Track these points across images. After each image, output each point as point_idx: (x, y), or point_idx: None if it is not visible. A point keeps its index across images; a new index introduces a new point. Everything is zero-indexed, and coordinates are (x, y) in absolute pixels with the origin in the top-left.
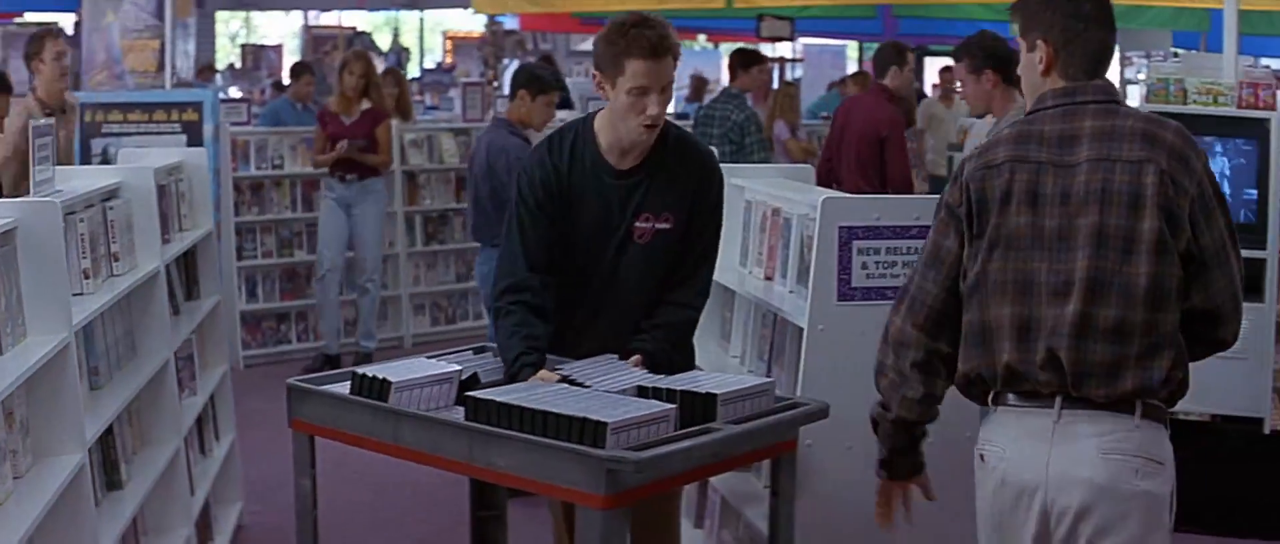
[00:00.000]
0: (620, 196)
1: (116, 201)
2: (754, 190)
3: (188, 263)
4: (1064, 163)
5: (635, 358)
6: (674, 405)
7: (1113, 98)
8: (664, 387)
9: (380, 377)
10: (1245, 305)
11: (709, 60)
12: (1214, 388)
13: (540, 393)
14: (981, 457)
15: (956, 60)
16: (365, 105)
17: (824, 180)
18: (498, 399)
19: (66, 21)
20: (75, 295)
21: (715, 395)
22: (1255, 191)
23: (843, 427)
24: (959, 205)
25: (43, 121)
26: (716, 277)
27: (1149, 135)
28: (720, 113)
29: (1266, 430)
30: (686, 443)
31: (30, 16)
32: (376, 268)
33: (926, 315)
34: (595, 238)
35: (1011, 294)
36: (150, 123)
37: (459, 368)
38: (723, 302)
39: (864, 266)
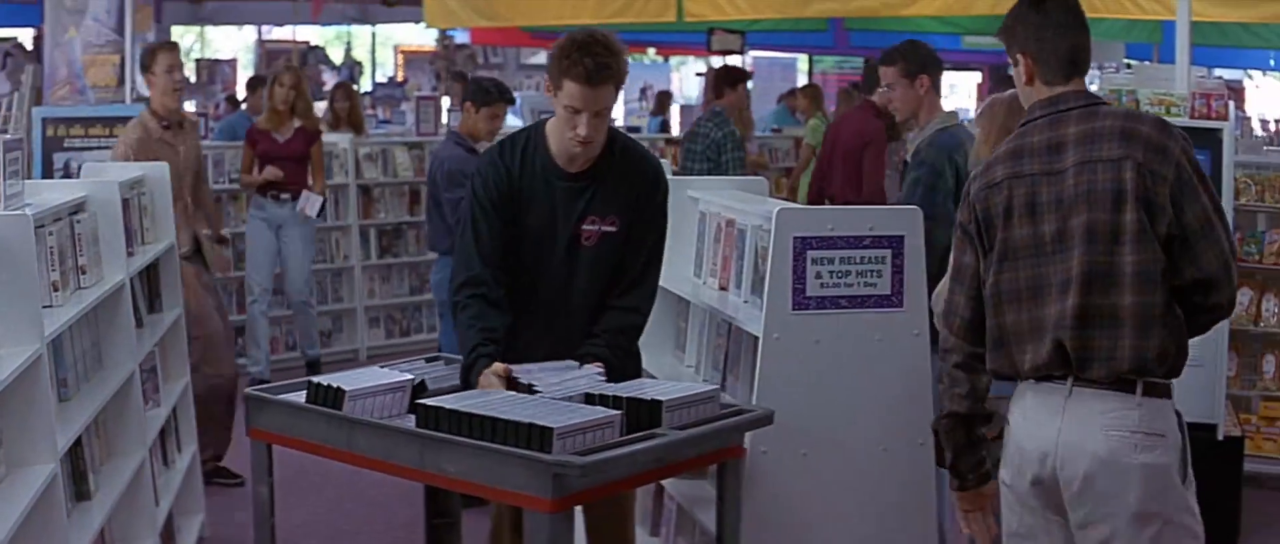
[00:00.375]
0: (568, 199)
1: (83, 215)
2: (708, 201)
3: (150, 276)
4: (1054, 170)
5: (598, 365)
6: (619, 411)
7: (1093, 100)
8: (610, 393)
9: (334, 385)
10: None
11: (659, 74)
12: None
13: (489, 400)
14: (1008, 421)
15: (887, 64)
16: (297, 123)
17: (816, 198)
18: (447, 406)
19: (27, 36)
20: (45, 308)
21: (660, 402)
22: None
23: (797, 434)
24: (970, 223)
25: (10, 137)
26: (670, 287)
27: (1126, 132)
28: (702, 130)
29: (1220, 437)
30: (631, 448)
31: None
32: (309, 284)
33: (960, 324)
34: (544, 241)
35: (1024, 300)
36: (111, 137)
37: (411, 376)
38: (677, 312)
39: (818, 276)
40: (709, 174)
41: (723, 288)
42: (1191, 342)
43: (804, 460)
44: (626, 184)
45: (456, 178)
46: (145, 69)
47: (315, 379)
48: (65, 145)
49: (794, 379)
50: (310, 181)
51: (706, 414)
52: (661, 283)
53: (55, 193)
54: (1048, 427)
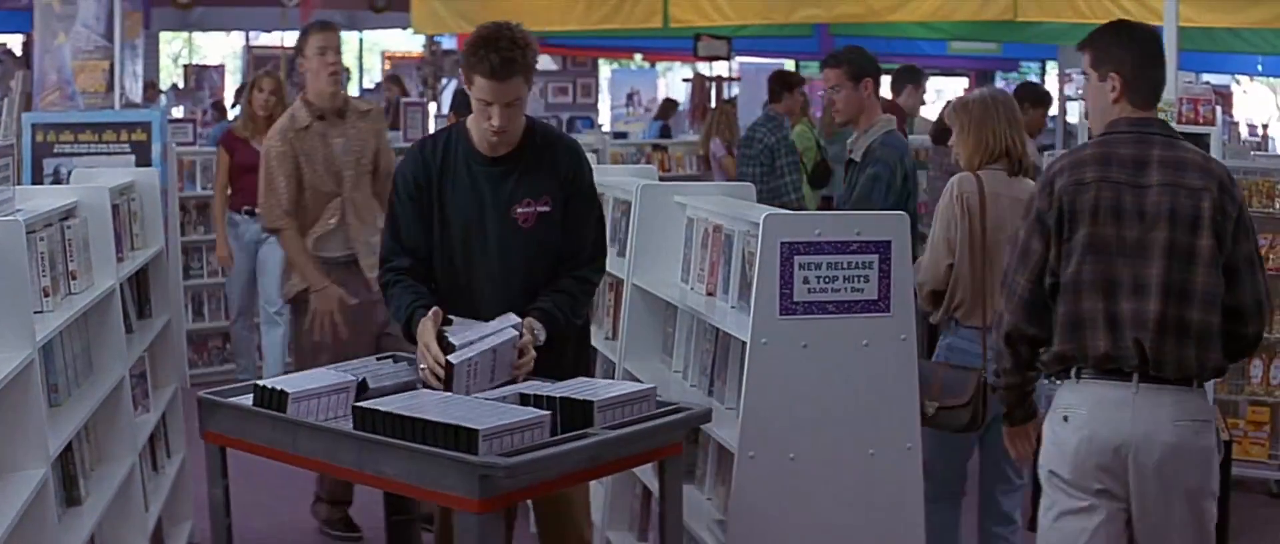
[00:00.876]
0: (494, 182)
1: (74, 221)
2: (695, 207)
3: (140, 282)
4: (1138, 184)
5: (529, 321)
6: (548, 412)
7: (1171, 132)
8: (545, 394)
9: (279, 388)
10: None
11: (646, 79)
12: None
13: (422, 401)
14: (1065, 418)
15: (833, 66)
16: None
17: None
18: (382, 408)
19: (16, 42)
20: (36, 313)
21: (591, 402)
22: None
23: (785, 438)
24: (1049, 213)
25: (7, 143)
26: (657, 292)
27: (1205, 168)
28: (757, 135)
29: None
30: (558, 448)
31: None
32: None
33: (1018, 303)
34: (475, 226)
35: (1100, 292)
36: (100, 143)
37: (354, 378)
38: (664, 317)
39: (805, 281)
40: (764, 179)
41: (710, 293)
42: None
43: (791, 464)
44: (550, 165)
45: None
46: (298, 53)
47: (261, 382)
48: (55, 151)
49: (781, 384)
50: None
51: (641, 413)
52: (648, 288)
53: (45, 199)
54: (1119, 419)
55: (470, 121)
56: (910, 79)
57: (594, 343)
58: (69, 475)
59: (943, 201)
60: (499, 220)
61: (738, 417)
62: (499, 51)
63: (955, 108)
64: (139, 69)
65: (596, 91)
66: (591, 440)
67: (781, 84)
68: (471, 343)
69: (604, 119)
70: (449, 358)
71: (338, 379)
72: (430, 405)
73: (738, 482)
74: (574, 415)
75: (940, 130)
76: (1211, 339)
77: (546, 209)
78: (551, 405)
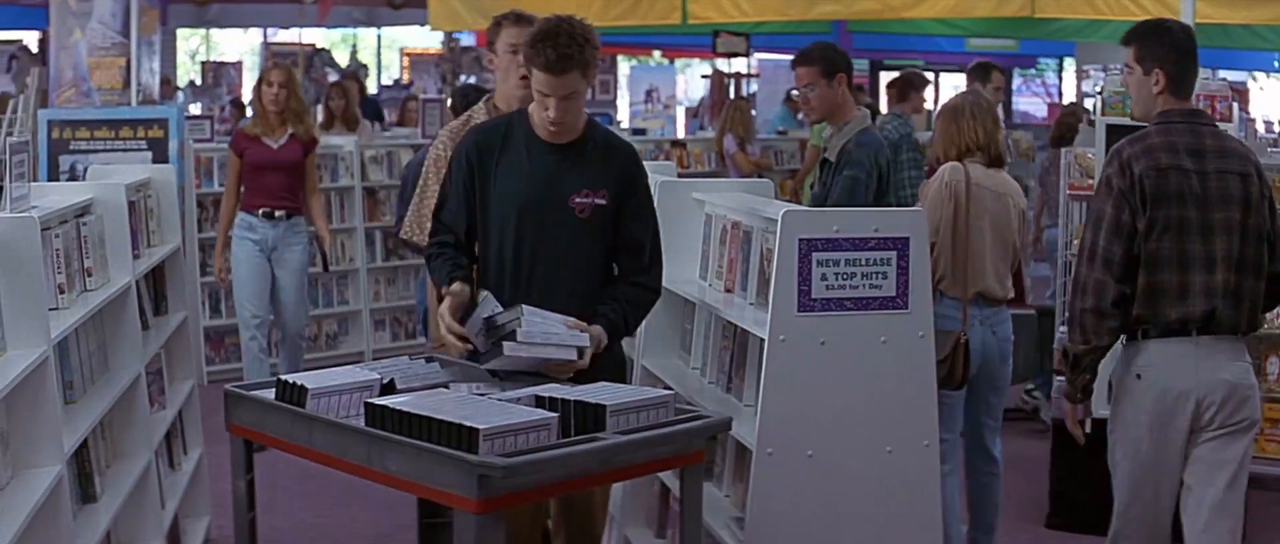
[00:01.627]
0: (553, 168)
1: (89, 217)
2: (714, 204)
3: (156, 279)
4: (1199, 170)
5: (596, 329)
6: (555, 414)
7: (1213, 121)
8: (559, 397)
9: (300, 383)
10: None
11: (664, 76)
12: None
13: (435, 400)
14: (1139, 376)
15: (806, 64)
16: (290, 131)
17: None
18: (390, 405)
19: (33, 39)
20: (51, 310)
21: (604, 406)
22: None
23: (803, 435)
24: (1132, 192)
25: (16, 140)
26: (676, 289)
27: (1244, 154)
28: (884, 131)
29: None
30: (560, 451)
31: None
32: (305, 321)
33: (1118, 268)
34: (532, 208)
35: (1174, 266)
36: (117, 140)
37: (378, 376)
38: (682, 314)
39: (824, 278)
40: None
41: (728, 290)
42: None
43: (809, 461)
44: (609, 161)
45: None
46: (489, 46)
47: (284, 377)
48: (71, 148)
49: (800, 381)
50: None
51: (657, 419)
52: (667, 285)
53: (61, 195)
54: (1186, 370)
55: (532, 108)
56: (981, 77)
57: None
58: (84, 472)
59: (933, 187)
60: (557, 207)
61: (756, 414)
62: (556, 47)
63: (945, 111)
64: (156, 66)
65: (615, 88)
66: (599, 444)
67: (908, 84)
68: (536, 344)
69: (623, 116)
70: (507, 349)
71: (362, 377)
72: (441, 404)
73: (756, 479)
74: (587, 419)
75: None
76: (1258, 301)
77: (603, 202)
78: (565, 408)
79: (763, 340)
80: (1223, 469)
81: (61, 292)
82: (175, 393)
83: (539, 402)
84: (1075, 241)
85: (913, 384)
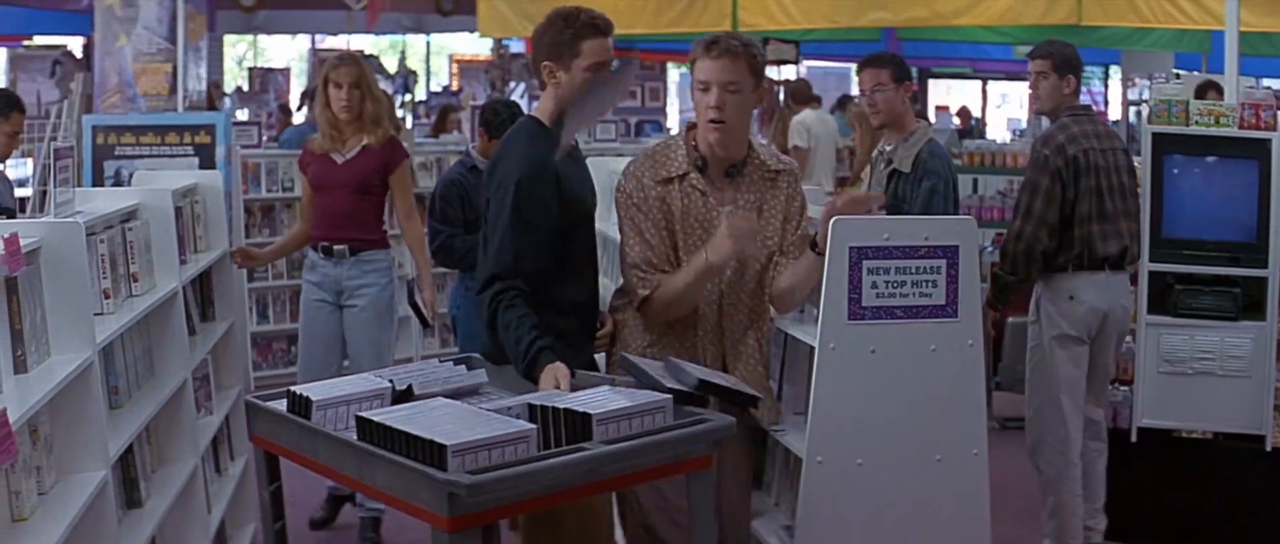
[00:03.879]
0: (584, 165)
1: (135, 223)
2: None
3: (203, 285)
4: (1103, 149)
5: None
6: (533, 426)
7: (1091, 110)
8: (551, 405)
9: (306, 395)
10: (1245, 323)
11: None
12: (1215, 405)
13: (421, 413)
14: (1071, 297)
15: (878, 66)
16: (364, 141)
17: None
18: (375, 419)
19: (77, 45)
20: (96, 315)
21: (590, 414)
22: (1256, 211)
23: (852, 443)
24: (1066, 169)
25: (60, 145)
26: None
27: (1118, 135)
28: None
29: (1268, 448)
30: (532, 465)
31: (40, 40)
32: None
33: (1049, 229)
34: (591, 214)
35: (1098, 220)
36: (163, 145)
37: (390, 383)
38: None
39: (874, 286)
40: None
41: None
42: (1237, 354)
43: (859, 470)
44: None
45: (448, 198)
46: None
47: (294, 388)
48: (116, 153)
49: (850, 389)
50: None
51: (651, 426)
52: None
53: (107, 200)
54: (1102, 295)
55: (545, 111)
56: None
57: None
58: (129, 478)
59: None
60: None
61: (806, 422)
62: (591, 11)
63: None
64: (203, 71)
65: (665, 95)
66: (579, 455)
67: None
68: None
69: (672, 122)
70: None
71: (371, 385)
72: (425, 417)
73: (805, 487)
74: (574, 428)
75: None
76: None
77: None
78: (554, 418)
79: (813, 348)
80: (1109, 362)
81: (107, 297)
82: (222, 399)
83: (531, 411)
84: None
85: (962, 392)
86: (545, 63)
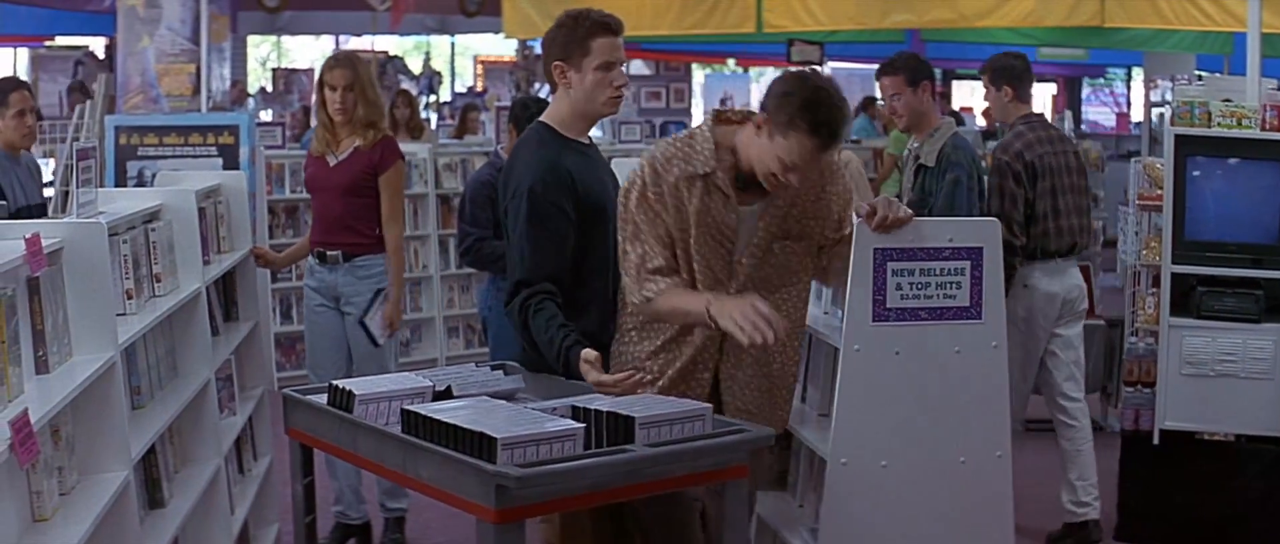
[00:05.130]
0: (600, 166)
1: (158, 223)
2: None
3: (227, 285)
4: (1055, 151)
5: None
6: (581, 425)
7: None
8: (594, 408)
9: (348, 389)
10: (1267, 326)
11: (739, 84)
12: (1238, 408)
13: (469, 410)
14: (1025, 286)
15: (890, 74)
16: (356, 143)
17: None
18: (422, 412)
19: (99, 45)
20: (118, 315)
21: (633, 418)
22: (1279, 213)
23: (877, 445)
24: (1025, 172)
25: (82, 145)
26: None
27: (1068, 138)
28: None
29: None
30: (579, 462)
31: (61, 40)
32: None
33: (1012, 224)
34: (611, 214)
35: (1053, 216)
36: (186, 146)
37: (430, 383)
38: None
39: (898, 288)
40: None
41: None
42: (1260, 356)
43: (883, 471)
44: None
45: (477, 200)
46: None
47: (337, 382)
48: (139, 154)
49: (874, 390)
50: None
51: (691, 433)
52: None
53: (129, 201)
54: (1055, 282)
55: (556, 115)
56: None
57: None
58: (152, 478)
59: None
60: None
61: (831, 423)
62: (600, 12)
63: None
64: (227, 72)
65: (689, 96)
66: (622, 457)
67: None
68: None
69: (696, 123)
70: None
71: (414, 384)
72: (474, 414)
73: (829, 489)
74: (617, 431)
75: None
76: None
77: None
78: (597, 420)
79: (837, 350)
80: (1073, 343)
81: (129, 297)
82: (246, 399)
83: (575, 413)
84: (1144, 252)
85: (986, 394)
86: (556, 63)
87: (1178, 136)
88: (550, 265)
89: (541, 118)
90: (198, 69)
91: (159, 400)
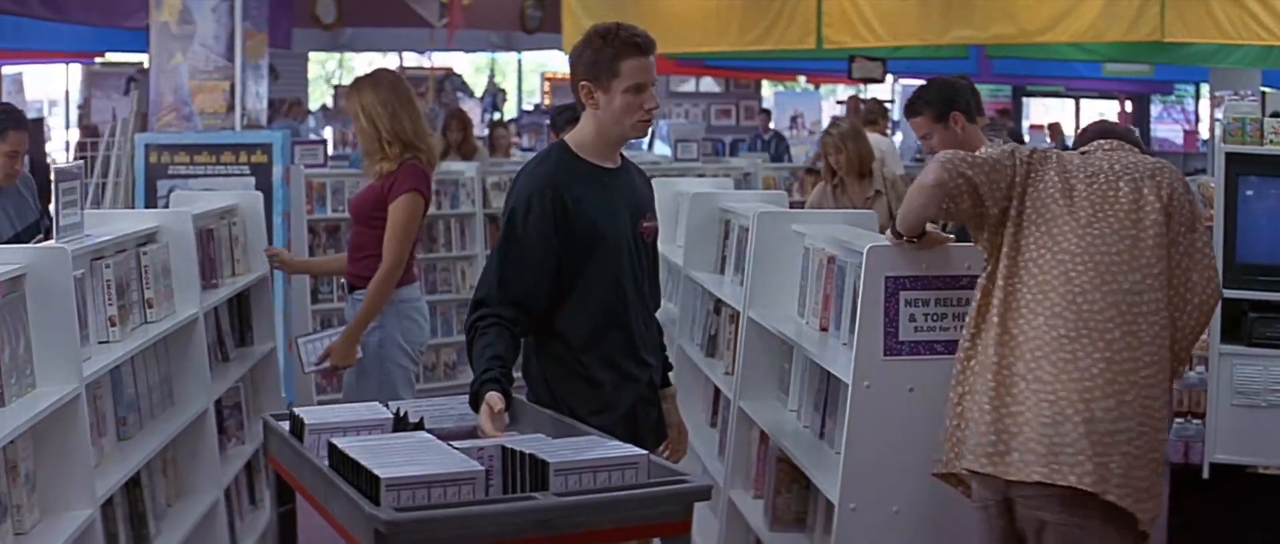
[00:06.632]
0: (619, 192)
1: (153, 246)
2: (813, 236)
3: (242, 308)
4: None
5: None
6: (481, 467)
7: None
8: (518, 449)
9: (301, 417)
10: None
11: (809, 101)
12: None
13: (386, 444)
14: None
15: (913, 115)
16: (381, 167)
17: None
18: (341, 445)
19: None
20: (100, 343)
21: (548, 462)
22: None
23: (889, 488)
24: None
25: (73, 163)
26: (773, 326)
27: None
28: None
29: None
30: (465, 510)
31: (111, 56)
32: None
33: None
34: (616, 243)
35: None
36: (218, 164)
37: (390, 414)
38: (781, 353)
39: (912, 318)
40: None
41: (824, 328)
42: None
43: (896, 517)
44: (643, 182)
45: None
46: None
47: (294, 409)
48: (169, 173)
49: (886, 430)
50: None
51: (618, 482)
52: (762, 322)
53: (124, 223)
54: None
55: (578, 138)
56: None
57: (712, 377)
58: (137, 513)
59: None
60: (631, 235)
61: (839, 465)
62: (632, 29)
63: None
64: (263, 89)
65: (759, 114)
66: (525, 505)
67: None
68: None
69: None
70: None
71: (375, 414)
72: (390, 448)
73: (839, 536)
74: (535, 475)
75: None
76: None
77: (656, 224)
78: (516, 462)
79: (846, 386)
80: None
81: (112, 324)
82: (258, 427)
83: (504, 453)
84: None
85: None
86: (583, 83)
87: (1228, 155)
88: (517, 290)
89: (566, 136)
90: (232, 86)
91: (149, 430)
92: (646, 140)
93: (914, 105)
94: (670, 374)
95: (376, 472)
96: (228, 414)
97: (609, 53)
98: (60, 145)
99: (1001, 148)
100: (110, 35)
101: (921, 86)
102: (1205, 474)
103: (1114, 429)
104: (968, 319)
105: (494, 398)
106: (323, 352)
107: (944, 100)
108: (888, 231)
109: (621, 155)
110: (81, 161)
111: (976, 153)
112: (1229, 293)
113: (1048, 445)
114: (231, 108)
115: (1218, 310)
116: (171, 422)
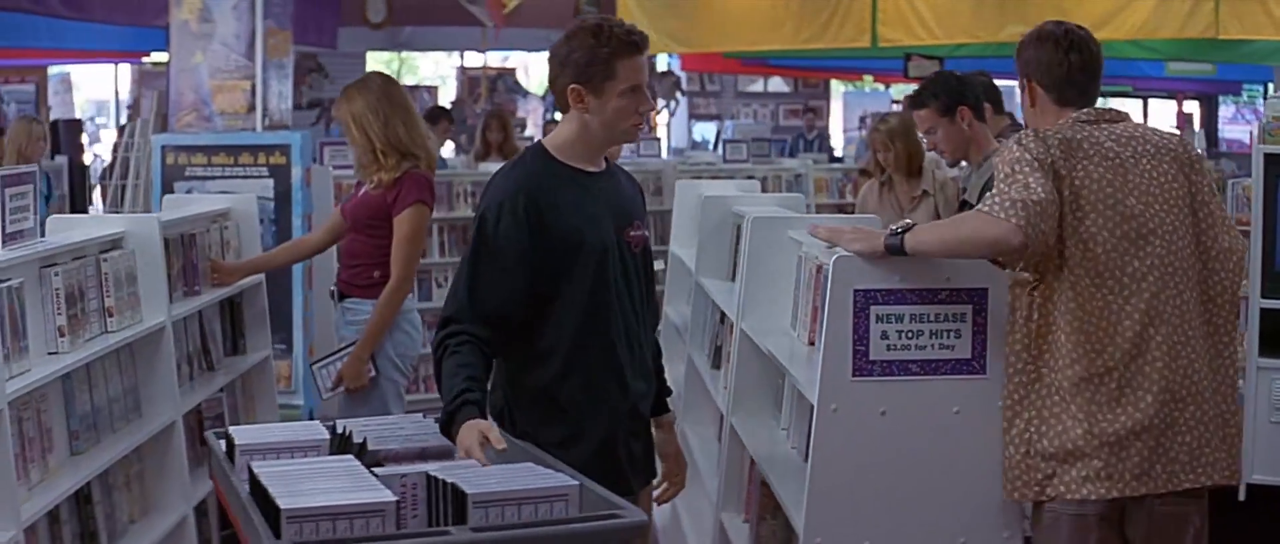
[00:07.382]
0: (601, 196)
1: (115, 253)
2: (807, 245)
3: (235, 315)
4: None
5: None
6: (394, 499)
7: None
8: (442, 478)
9: (231, 436)
10: None
11: (878, 101)
12: None
13: (305, 471)
14: None
15: (918, 108)
16: (380, 175)
17: None
18: (256, 470)
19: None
20: (49, 354)
21: (466, 494)
22: None
23: (859, 522)
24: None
25: (25, 168)
26: (764, 340)
27: None
28: None
29: None
30: None
31: (156, 56)
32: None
33: None
34: (597, 249)
35: None
36: (236, 166)
37: (327, 435)
38: (775, 369)
39: (884, 336)
40: None
41: (811, 343)
42: None
43: None
44: (632, 189)
45: None
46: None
47: (229, 428)
48: (186, 174)
49: (854, 457)
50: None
51: (544, 516)
52: (752, 335)
53: (86, 229)
54: None
55: (557, 141)
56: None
57: (712, 391)
58: (88, 531)
59: None
60: (617, 245)
61: (803, 495)
62: (624, 26)
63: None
64: (287, 89)
65: (828, 114)
66: (434, 541)
67: None
68: None
69: (836, 141)
70: None
71: (310, 435)
72: (309, 476)
73: None
74: (456, 507)
75: None
76: None
77: (646, 234)
78: (440, 492)
79: (812, 407)
80: None
81: (61, 334)
82: None
83: (429, 483)
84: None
85: (990, 463)
86: (573, 86)
87: (1267, 156)
88: (489, 304)
89: (543, 139)
90: (253, 86)
91: (107, 444)
92: (713, 141)
93: (919, 97)
94: (670, 398)
95: (279, 502)
96: (208, 425)
97: (604, 53)
98: (108, 146)
99: (1027, 162)
100: (152, 36)
101: (929, 78)
102: (1241, 495)
103: (1220, 413)
104: (1014, 337)
105: (485, 425)
106: (335, 377)
107: (951, 94)
108: (882, 240)
109: (606, 159)
110: (32, 168)
111: (1031, 197)
112: (1267, 303)
113: (1189, 451)
114: (252, 108)
115: (1255, 320)
116: (134, 435)
